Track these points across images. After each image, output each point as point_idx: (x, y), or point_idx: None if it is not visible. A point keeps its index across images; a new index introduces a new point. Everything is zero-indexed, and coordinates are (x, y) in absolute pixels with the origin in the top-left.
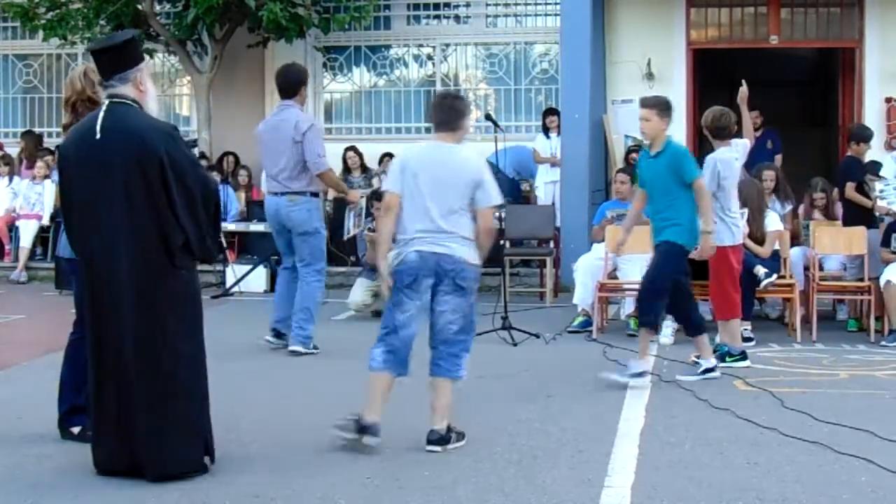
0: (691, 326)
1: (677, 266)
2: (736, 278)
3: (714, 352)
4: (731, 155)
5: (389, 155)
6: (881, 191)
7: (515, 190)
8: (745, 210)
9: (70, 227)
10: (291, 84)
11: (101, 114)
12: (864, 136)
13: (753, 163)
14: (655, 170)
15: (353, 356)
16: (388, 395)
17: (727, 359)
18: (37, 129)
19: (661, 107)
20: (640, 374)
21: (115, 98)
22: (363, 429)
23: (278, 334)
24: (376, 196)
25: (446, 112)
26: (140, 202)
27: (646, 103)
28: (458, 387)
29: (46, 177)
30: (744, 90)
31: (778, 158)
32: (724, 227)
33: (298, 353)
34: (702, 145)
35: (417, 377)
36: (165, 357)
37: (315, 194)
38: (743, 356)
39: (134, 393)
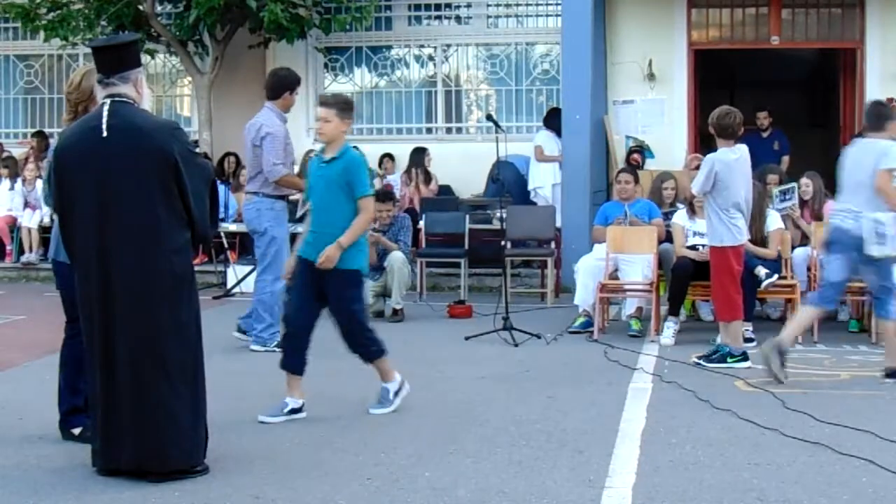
0: (368, 354)
1: (361, 291)
2: (737, 279)
3: (716, 352)
4: (731, 156)
5: (389, 155)
6: None
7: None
8: None
9: (65, 225)
10: (274, 87)
11: (105, 112)
12: None
13: (760, 164)
14: (327, 177)
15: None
16: None
17: (728, 359)
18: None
19: (342, 106)
20: (298, 411)
21: (115, 97)
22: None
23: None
24: (377, 196)
25: (873, 116)
26: (151, 198)
27: (325, 102)
28: (456, 386)
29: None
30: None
31: (785, 160)
32: (724, 228)
33: (256, 351)
34: (703, 146)
35: (414, 379)
36: (174, 350)
37: (274, 197)
38: (744, 357)
39: (146, 390)
